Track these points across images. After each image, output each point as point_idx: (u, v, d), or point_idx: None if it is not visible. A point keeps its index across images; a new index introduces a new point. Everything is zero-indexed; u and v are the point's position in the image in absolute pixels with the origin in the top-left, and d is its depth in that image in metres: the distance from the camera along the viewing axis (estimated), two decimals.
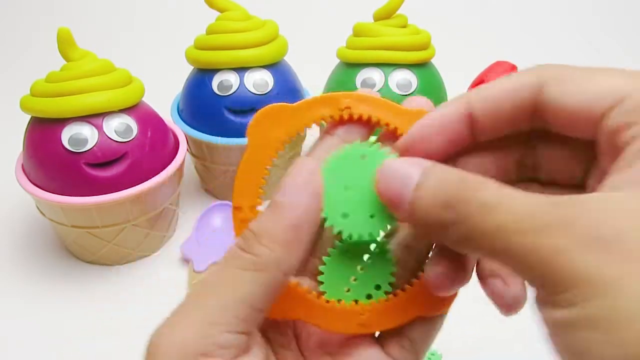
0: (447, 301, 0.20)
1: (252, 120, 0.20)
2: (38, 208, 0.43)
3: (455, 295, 0.20)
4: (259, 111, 0.20)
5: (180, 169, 0.44)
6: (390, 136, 0.21)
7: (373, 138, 0.21)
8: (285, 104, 0.21)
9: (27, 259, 0.46)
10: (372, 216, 0.19)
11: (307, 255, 0.21)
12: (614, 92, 0.15)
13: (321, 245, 0.22)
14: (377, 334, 0.21)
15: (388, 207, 0.18)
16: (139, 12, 0.92)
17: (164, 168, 0.42)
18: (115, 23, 0.90)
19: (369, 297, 0.20)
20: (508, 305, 0.18)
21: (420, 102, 0.20)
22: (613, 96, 0.15)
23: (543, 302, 0.14)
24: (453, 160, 0.19)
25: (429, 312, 0.20)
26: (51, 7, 0.91)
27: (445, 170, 0.16)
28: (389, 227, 0.19)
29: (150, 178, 0.41)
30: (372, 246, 0.21)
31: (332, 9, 0.88)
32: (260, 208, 0.20)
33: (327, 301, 0.20)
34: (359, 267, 0.21)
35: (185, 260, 0.44)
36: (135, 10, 0.92)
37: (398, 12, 0.48)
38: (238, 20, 0.46)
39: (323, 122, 0.21)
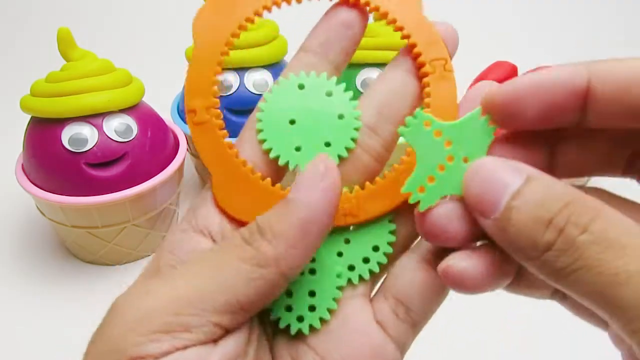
0: None
1: (197, 12, 0.18)
2: (38, 208, 0.43)
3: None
4: (204, 3, 0.18)
5: (180, 169, 0.44)
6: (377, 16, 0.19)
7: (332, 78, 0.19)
8: None
9: (27, 259, 0.46)
10: (327, 144, 0.18)
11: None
12: None
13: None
14: (372, 294, 0.19)
15: (473, 211, 0.15)
16: (139, 12, 0.92)
17: (164, 168, 0.42)
18: (115, 23, 0.90)
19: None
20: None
21: (444, 26, 0.19)
22: None
23: None
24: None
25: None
26: (51, 7, 0.91)
27: (555, 182, 0.14)
28: (346, 151, 0.18)
29: (150, 178, 0.41)
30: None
31: None
32: (218, 109, 0.18)
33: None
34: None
35: None
36: (135, 10, 0.92)
37: None
38: None
39: (276, 6, 0.19)
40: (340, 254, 0.18)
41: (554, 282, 0.14)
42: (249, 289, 0.16)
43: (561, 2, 0.94)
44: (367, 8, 0.19)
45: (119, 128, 0.40)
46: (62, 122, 0.39)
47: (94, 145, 0.39)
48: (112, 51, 0.51)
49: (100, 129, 0.39)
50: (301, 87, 0.18)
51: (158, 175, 0.41)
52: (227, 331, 0.16)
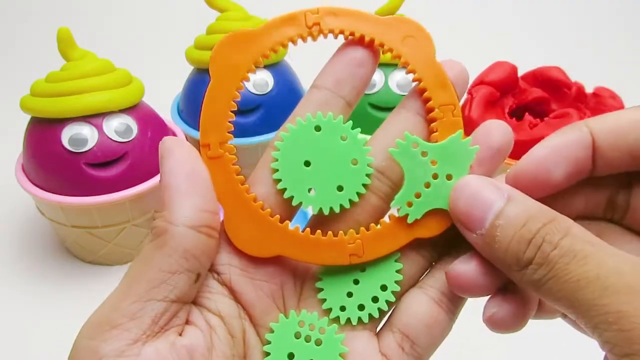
0: (445, 220, 0.19)
1: (214, 49, 0.19)
2: (38, 208, 0.43)
3: (450, 219, 0.18)
4: (221, 39, 0.19)
5: None
6: (369, 48, 0.20)
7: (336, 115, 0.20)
8: (246, 28, 0.20)
9: (27, 259, 0.46)
10: (340, 188, 0.19)
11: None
12: None
13: None
14: (378, 329, 0.20)
15: (459, 225, 0.17)
16: (139, 12, 0.92)
17: None
18: (115, 23, 0.90)
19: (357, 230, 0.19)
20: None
21: (455, 67, 0.20)
22: None
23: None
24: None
25: (426, 234, 0.19)
26: (51, 7, 0.91)
27: (532, 203, 0.16)
28: (357, 196, 0.19)
29: (150, 178, 0.41)
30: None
31: None
32: (231, 143, 0.19)
33: (312, 233, 0.19)
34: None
35: None
36: (135, 10, 0.92)
37: (398, 12, 0.48)
38: (238, 20, 0.46)
39: (292, 43, 0.20)
40: (350, 295, 0.19)
41: (533, 291, 0.16)
42: (163, 257, 0.17)
43: (561, 2, 0.94)
44: (380, 49, 0.20)
45: (119, 128, 0.40)
46: (62, 122, 0.39)
47: (94, 145, 0.39)
48: (112, 51, 0.51)
49: (100, 129, 0.39)
50: (317, 129, 0.19)
51: (158, 176, 0.41)
52: (186, 321, 0.17)
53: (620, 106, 0.44)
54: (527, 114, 0.45)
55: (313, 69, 0.62)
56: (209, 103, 0.19)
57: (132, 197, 0.40)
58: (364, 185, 0.19)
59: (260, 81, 0.46)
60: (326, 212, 0.19)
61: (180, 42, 0.52)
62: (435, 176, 0.18)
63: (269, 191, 0.19)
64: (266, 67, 0.47)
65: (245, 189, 0.19)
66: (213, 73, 0.19)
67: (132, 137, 0.40)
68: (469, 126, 0.46)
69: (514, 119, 0.45)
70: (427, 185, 0.18)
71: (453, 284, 0.18)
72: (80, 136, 0.39)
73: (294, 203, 0.19)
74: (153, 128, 0.42)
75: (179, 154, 0.18)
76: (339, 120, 0.19)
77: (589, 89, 0.46)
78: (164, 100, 0.51)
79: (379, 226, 0.19)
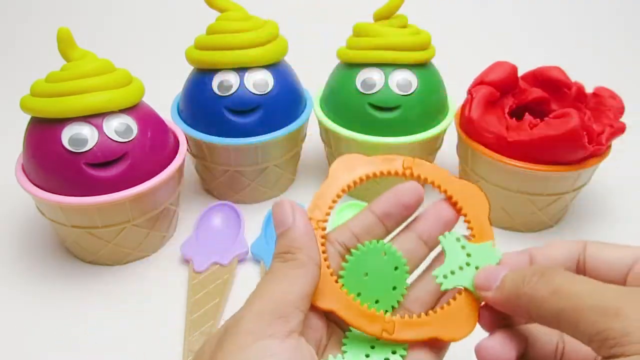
0: (463, 332, 0.24)
1: (336, 161, 0.27)
2: (38, 208, 0.43)
3: (472, 328, 0.24)
4: (341, 157, 0.27)
5: (180, 169, 0.44)
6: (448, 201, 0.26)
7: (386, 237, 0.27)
8: (360, 155, 0.27)
9: (27, 259, 0.46)
10: (377, 301, 0.25)
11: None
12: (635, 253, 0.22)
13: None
14: None
15: (479, 290, 0.23)
16: (139, 12, 0.92)
17: (164, 168, 0.42)
18: (115, 23, 0.90)
19: (393, 308, 0.25)
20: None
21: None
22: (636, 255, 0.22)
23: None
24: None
25: (445, 337, 0.23)
26: (51, 7, 0.91)
27: (516, 274, 0.22)
28: (388, 312, 0.24)
29: (150, 178, 0.41)
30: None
31: (332, 9, 0.88)
32: (326, 225, 0.25)
33: (361, 303, 0.24)
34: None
35: (185, 260, 0.44)
36: (135, 10, 0.92)
37: (398, 12, 0.48)
38: (238, 20, 0.46)
39: (386, 175, 0.27)
40: (367, 356, 0.24)
41: (529, 319, 0.22)
42: (305, 284, 0.23)
43: (561, 2, 0.94)
44: (439, 191, 0.26)
45: (119, 128, 0.40)
46: (62, 122, 0.39)
47: (94, 146, 0.39)
48: (112, 51, 0.51)
49: (100, 129, 0.39)
50: (376, 251, 0.25)
51: (158, 175, 0.41)
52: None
53: (620, 106, 0.44)
54: (527, 114, 0.44)
55: (313, 69, 0.63)
56: (322, 192, 0.26)
57: (132, 197, 0.40)
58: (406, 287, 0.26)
59: (260, 81, 0.46)
60: (390, 310, 0.25)
61: (180, 42, 0.52)
62: (467, 264, 0.24)
63: (338, 261, 0.26)
64: (266, 67, 0.47)
65: (325, 257, 0.25)
66: (331, 175, 0.26)
67: (132, 137, 0.40)
68: (469, 126, 0.46)
69: (514, 119, 0.45)
70: (460, 269, 0.24)
71: (481, 356, 0.22)
72: (80, 136, 0.39)
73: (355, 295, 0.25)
74: (153, 128, 0.42)
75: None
76: (388, 245, 0.26)
77: (589, 89, 0.46)
78: (164, 100, 0.51)
79: (412, 317, 0.24)
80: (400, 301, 0.25)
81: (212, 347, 0.22)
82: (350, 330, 0.25)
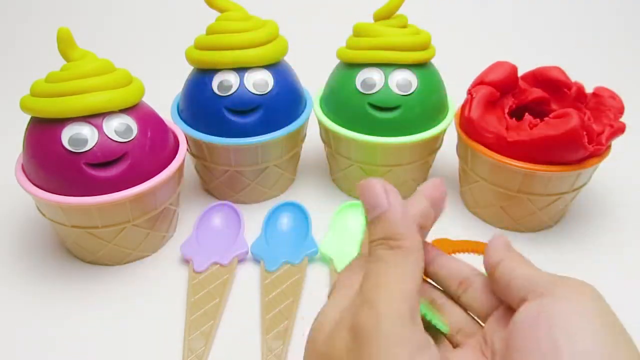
0: None
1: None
2: (38, 208, 0.43)
3: None
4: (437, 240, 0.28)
5: (180, 169, 0.44)
6: None
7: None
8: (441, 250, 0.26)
9: (27, 259, 0.46)
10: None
11: None
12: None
13: None
14: None
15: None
16: (139, 12, 0.92)
17: (164, 168, 0.42)
18: (115, 23, 0.90)
19: None
20: None
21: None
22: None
23: None
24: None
25: None
26: (51, 7, 0.91)
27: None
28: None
29: (150, 178, 0.41)
30: None
31: (332, 9, 0.88)
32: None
33: None
34: None
35: (185, 260, 0.44)
36: (135, 10, 0.93)
37: (398, 12, 0.48)
38: (238, 20, 0.46)
39: None
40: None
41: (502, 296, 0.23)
42: (420, 274, 0.22)
43: (561, 2, 0.94)
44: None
45: (119, 128, 0.40)
46: (62, 122, 0.39)
47: (94, 146, 0.39)
48: (112, 51, 0.51)
49: (100, 129, 0.39)
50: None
51: (158, 175, 0.41)
52: None
53: (620, 106, 0.44)
54: (527, 114, 0.44)
55: (313, 69, 0.62)
56: None
57: (132, 197, 0.40)
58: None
59: (260, 81, 0.46)
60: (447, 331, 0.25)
61: (180, 42, 0.53)
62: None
63: None
64: (266, 67, 0.47)
65: None
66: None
67: (132, 137, 0.40)
68: (469, 126, 0.46)
69: (514, 119, 0.45)
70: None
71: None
72: (80, 136, 0.39)
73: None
74: (153, 128, 0.42)
75: None
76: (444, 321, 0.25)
77: (589, 89, 0.46)
78: (164, 100, 0.51)
79: None
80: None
81: (347, 344, 0.20)
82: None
